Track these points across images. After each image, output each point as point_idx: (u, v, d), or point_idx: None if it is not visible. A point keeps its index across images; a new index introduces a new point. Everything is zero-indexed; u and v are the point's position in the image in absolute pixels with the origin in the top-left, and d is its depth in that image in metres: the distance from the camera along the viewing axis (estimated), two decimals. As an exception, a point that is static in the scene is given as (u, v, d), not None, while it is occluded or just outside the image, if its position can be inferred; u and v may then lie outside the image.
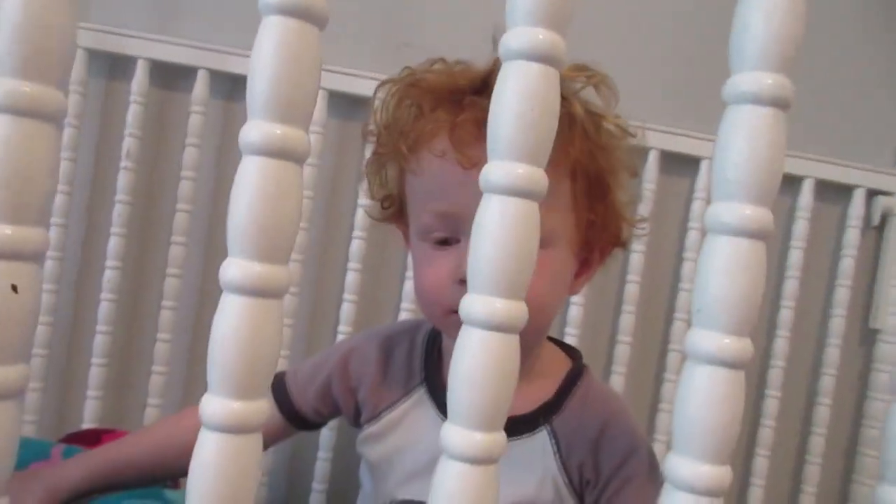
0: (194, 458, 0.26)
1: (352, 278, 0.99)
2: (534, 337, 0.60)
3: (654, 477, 0.60)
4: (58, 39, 0.26)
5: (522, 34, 0.27)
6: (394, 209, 0.64)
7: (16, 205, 0.26)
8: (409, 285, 1.00)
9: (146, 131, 0.98)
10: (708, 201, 0.97)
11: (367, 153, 0.95)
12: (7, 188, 0.25)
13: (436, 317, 0.59)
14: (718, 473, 0.28)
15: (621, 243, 0.63)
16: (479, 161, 0.47)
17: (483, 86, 0.55)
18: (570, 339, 1.00)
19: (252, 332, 0.26)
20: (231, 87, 1.02)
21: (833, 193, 1.09)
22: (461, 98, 0.55)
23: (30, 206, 0.26)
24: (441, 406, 0.62)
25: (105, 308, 0.96)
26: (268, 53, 0.26)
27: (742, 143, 0.27)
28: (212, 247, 1.03)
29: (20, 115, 0.25)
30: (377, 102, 0.62)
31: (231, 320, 0.26)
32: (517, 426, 0.60)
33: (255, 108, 0.26)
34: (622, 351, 1.03)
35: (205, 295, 1.03)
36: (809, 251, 1.06)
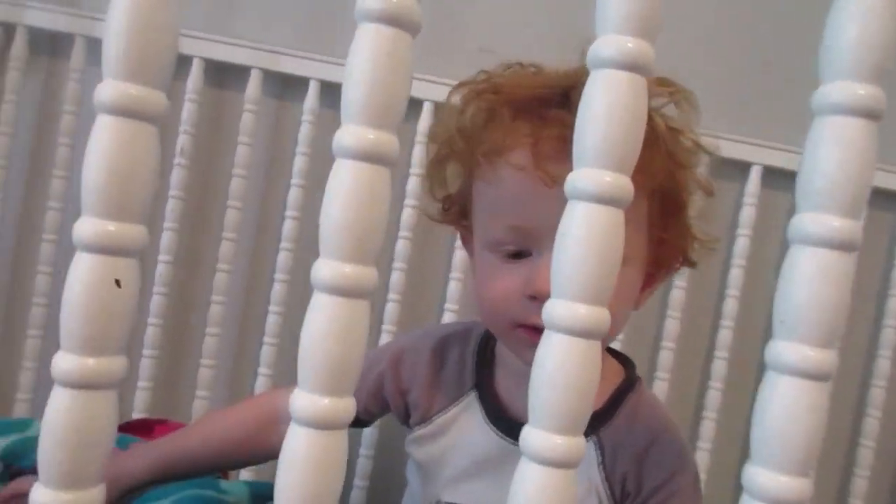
0: (283, 452, 0.27)
1: (396, 278, 1.00)
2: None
3: (695, 499, 0.61)
4: (162, 42, 0.27)
5: (611, 43, 0.27)
6: (454, 211, 0.64)
7: (120, 202, 0.27)
8: (453, 286, 1.00)
9: (200, 129, 1.00)
10: (758, 207, 0.96)
11: (415, 152, 0.99)
12: (112, 186, 0.26)
13: (500, 328, 0.58)
14: (798, 485, 0.27)
15: (690, 262, 0.62)
16: (560, 178, 0.44)
17: (564, 99, 0.54)
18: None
19: (342, 331, 0.27)
20: (283, 86, 1.04)
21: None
22: (544, 110, 0.54)
23: (132, 203, 0.27)
24: (489, 412, 0.63)
25: (156, 301, 0.98)
26: (364, 60, 0.26)
27: (832, 155, 0.27)
28: (261, 243, 1.05)
29: (126, 117, 0.26)
30: (451, 103, 0.61)
31: (322, 319, 0.27)
32: None
33: (350, 113, 0.27)
34: (666, 357, 1.02)
35: (253, 290, 1.05)
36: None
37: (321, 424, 0.27)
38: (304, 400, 0.27)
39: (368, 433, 0.99)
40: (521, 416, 0.59)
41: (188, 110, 0.99)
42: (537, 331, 0.58)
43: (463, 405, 0.64)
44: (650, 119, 0.53)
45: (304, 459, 0.27)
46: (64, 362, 0.26)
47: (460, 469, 0.62)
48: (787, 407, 0.27)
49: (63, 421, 0.26)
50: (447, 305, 1.00)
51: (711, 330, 1.06)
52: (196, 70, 0.99)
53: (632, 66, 0.27)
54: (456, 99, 0.61)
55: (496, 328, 0.60)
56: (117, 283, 0.26)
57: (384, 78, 0.26)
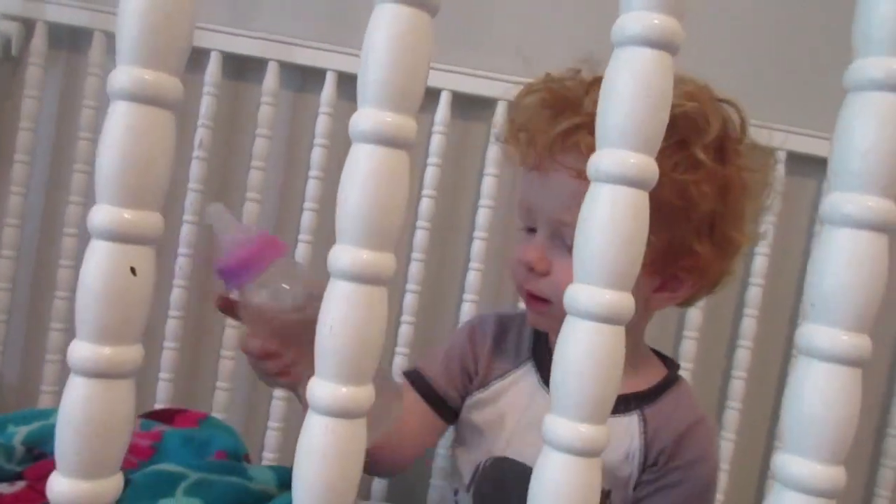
0: (301, 441, 0.27)
1: (473, 278, 0.99)
2: None
3: (710, 490, 0.66)
4: (177, 28, 0.26)
5: (637, 19, 0.26)
6: None
7: (136, 190, 0.26)
8: (472, 277, 0.99)
9: (218, 122, 1.00)
10: (782, 193, 0.94)
11: (433, 141, 0.98)
12: (127, 173, 0.26)
13: (518, 290, 0.67)
14: (833, 474, 0.27)
15: (706, 283, 0.66)
16: (554, 167, 0.60)
17: (583, 98, 0.60)
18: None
19: (360, 318, 0.26)
20: (301, 78, 1.03)
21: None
22: (568, 109, 0.61)
23: (148, 191, 0.26)
24: (545, 377, 0.68)
25: (177, 293, 0.99)
26: (381, 41, 0.26)
27: (868, 132, 0.26)
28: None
29: (142, 103, 0.26)
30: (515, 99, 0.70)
31: (341, 307, 0.26)
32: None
33: (367, 96, 0.26)
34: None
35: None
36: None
37: (340, 413, 0.26)
38: (322, 389, 0.26)
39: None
40: None
41: (206, 103, 0.99)
42: (531, 296, 0.63)
43: (521, 373, 0.71)
44: (692, 146, 0.58)
45: (323, 448, 0.26)
46: (80, 351, 0.26)
47: (516, 428, 0.68)
48: (820, 393, 0.27)
49: (80, 410, 0.26)
50: (466, 296, 0.99)
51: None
52: (214, 63, 0.99)
53: (658, 44, 0.26)
54: (517, 97, 0.69)
55: (517, 289, 0.68)
56: (133, 271, 0.26)
57: (402, 59, 0.26)
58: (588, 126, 0.50)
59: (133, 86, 0.26)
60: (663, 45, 0.26)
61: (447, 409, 0.73)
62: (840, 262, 0.27)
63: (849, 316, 0.27)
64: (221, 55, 0.99)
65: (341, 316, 0.26)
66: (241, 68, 1.02)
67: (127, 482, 0.56)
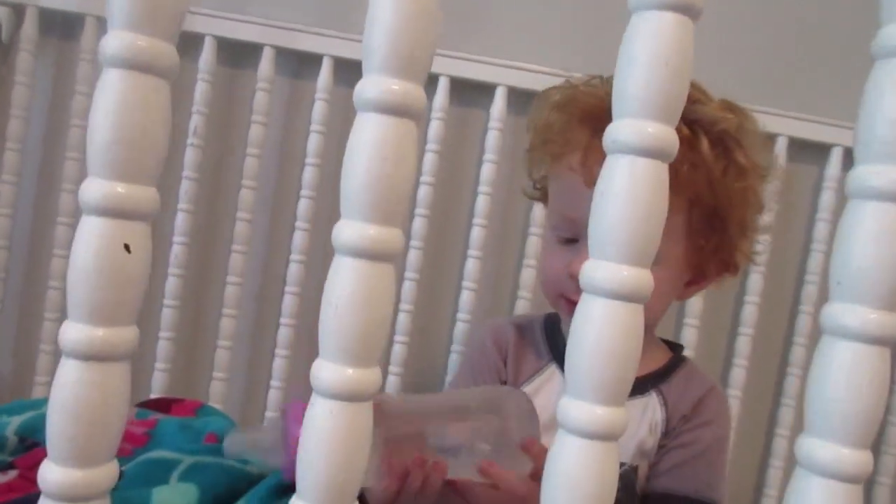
0: (306, 425, 0.26)
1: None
2: None
3: (718, 458, 0.68)
4: (172, -9, 0.25)
5: (656, -18, 0.25)
6: (540, 193, 0.77)
7: (130, 163, 0.25)
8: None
9: (213, 108, 0.98)
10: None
11: (432, 128, 0.96)
12: (121, 145, 0.25)
13: (550, 297, 0.70)
14: (860, 459, 0.26)
15: (733, 270, 0.69)
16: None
17: None
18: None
19: (367, 297, 0.25)
20: (297, 64, 1.02)
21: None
22: (601, 121, 0.60)
23: (144, 164, 0.25)
24: None
25: (172, 283, 0.97)
26: (387, 5, 0.24)
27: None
28: (277, 223, 1.03)
29: (136, 70, 0.25)
30: (538, 105, 0.71)
31: (345, 284, 0.25)
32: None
33: (372, 63, 0.25)
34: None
35: (269, 270, 1.03)
36: None
37: (346, 396, 0.25)
38: (327, 371, 0.25)
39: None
40: None
41: (200, 90, 0.97)
42: (574, 303, 0.62)
43: (546, 375, 0.72)
44: (694, 139, 0.60)
45: (329, 432, 0.25)
46: (72, 332, 0.25)
47: (545, 425, 0.68)
48: (847, 374, 0.26)
49: (73, 394, 0.25)
50: (465, 283, 0.98)
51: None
52: (208, 48, 0.97)
53: (679, 7, 0.25)
54: (540, 103, 0.71)
55: (548, 295, 0.70)
56: (126, 248, 0.25)
57: (409, 25, 0.24)
58: None
59: (126, 52, 0.24)
60: (684, 8, 0.25)
61: None
62: (867, 237, 0.25)
63: (878, 293, 0.25)
64: (216, 40, 0.97)
65: (347, 294, 0.25)
66: (237, 54, 1.01)
67: (121, 473, 0.55)
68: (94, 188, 0.25)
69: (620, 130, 0.25)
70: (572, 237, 0.66)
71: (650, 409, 0.68)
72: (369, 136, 0.25)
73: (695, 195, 0.61)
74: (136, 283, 0.25)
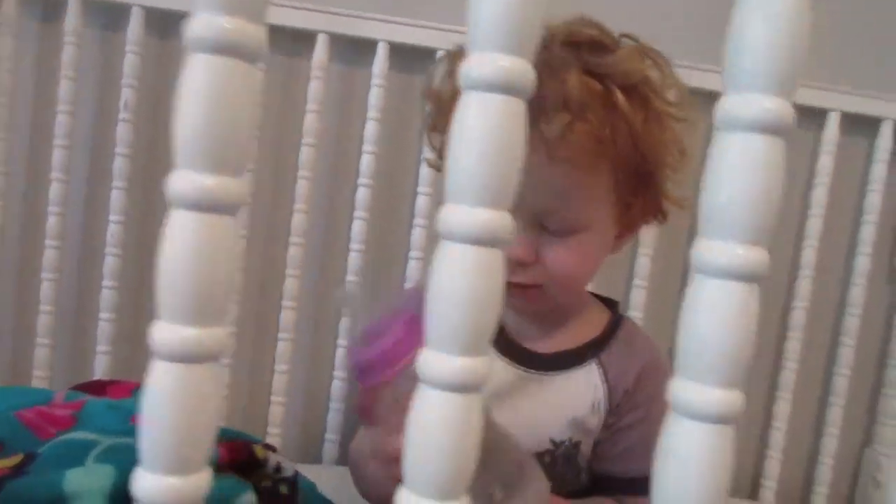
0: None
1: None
2: (565, 297, 0.66)
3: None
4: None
5: None
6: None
7: (217, 154, 0.23)
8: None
9: (143, 82, 0.95)
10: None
11: (372, 95, 0.94)
12: (209, 136, 0.23)
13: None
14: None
15: (661, 219, 0.67)
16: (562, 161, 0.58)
17: None
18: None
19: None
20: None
21: (860, 126, 1.04)
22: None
23: (231, 155, 0.24)
24: (499, 346, 0.66)
25: (111, 262, 0.95)
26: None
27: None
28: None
29: (222, 55, 0.23)
30: (440, 70, 0.67)
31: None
32: (568, 359, 0.67)
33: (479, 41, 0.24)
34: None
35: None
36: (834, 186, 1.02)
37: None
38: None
39: (338, 387, 0.98)
40: (530, 345, 0.67)
41: (129, 62, 0.93)
42: (521, 287, 0.62)
43: None
44: (609, 96, 0.58)
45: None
46: (166, 334, 0.24)
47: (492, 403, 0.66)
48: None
49: (169, 398, 0.24)
50: (412, 253, 0.97)
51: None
52: (135, 20, 0.93)
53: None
54: (445, 67, 0.66)
55: None
56: (216, 242, 0.24)
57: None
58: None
59: (212, 34, 0.23)
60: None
61: None
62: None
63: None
64: (143, 10, 0.94)
65: (457, 283, 0.24)
66: (166, 24, 0.97)
67: (35, 454, 0.53)
68: (184, 182, 0.24)
69: (734, 105, 0.24)
70: None
71: (591, 382, 0.66)
72: (479, 122, 0.24)
73: (618, 155, 0.59)
74: (227, 280, 0.24)
